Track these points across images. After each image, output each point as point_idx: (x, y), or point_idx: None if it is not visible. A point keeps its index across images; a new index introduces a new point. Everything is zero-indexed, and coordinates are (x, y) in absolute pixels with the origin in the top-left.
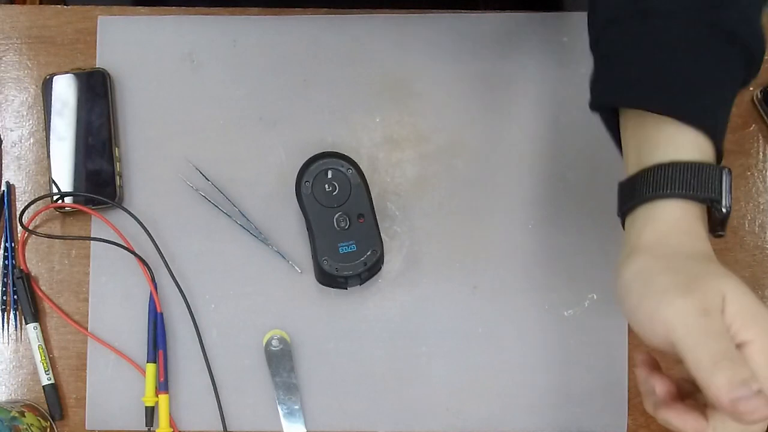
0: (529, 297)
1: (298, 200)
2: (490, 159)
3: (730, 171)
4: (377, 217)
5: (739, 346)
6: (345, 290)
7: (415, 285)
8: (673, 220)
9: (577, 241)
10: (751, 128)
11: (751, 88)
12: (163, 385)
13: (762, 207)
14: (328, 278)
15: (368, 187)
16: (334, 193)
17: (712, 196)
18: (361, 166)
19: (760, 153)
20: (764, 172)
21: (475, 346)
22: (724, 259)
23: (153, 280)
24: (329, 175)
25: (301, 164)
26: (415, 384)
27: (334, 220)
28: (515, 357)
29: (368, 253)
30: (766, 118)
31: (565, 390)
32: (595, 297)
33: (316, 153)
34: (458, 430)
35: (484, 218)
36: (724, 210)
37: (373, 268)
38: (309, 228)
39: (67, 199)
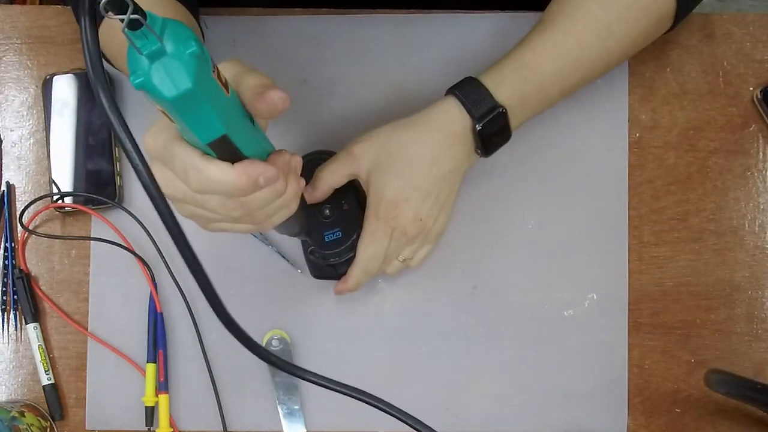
0: (529, 297)
1: None
2: (490, 159)
3: None
4: (363, 204)
5: None
6: None
7: (415, 285)
8: None
9: (577, 241)
10: (751, 128)
11: (750, 88)
12: (163, 385)
13: (762, 207)
14: (318, 270)
15: None
16: None
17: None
18: None
19: (760, 153)
20: (764, 172)
21: (475, 346)
22: (724, 259)
23: (153, 280)
24: (312, 173)
25: None
26: (415, 384)
27: (320, 212)
28: (515, 357)
29: (354, 237)
30: (766, 118)
31: (565, 390)
32: (595, 297)
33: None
34: (458, 430)
35: (484, 218)
36: None
37: None
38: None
39: (67, 199)
